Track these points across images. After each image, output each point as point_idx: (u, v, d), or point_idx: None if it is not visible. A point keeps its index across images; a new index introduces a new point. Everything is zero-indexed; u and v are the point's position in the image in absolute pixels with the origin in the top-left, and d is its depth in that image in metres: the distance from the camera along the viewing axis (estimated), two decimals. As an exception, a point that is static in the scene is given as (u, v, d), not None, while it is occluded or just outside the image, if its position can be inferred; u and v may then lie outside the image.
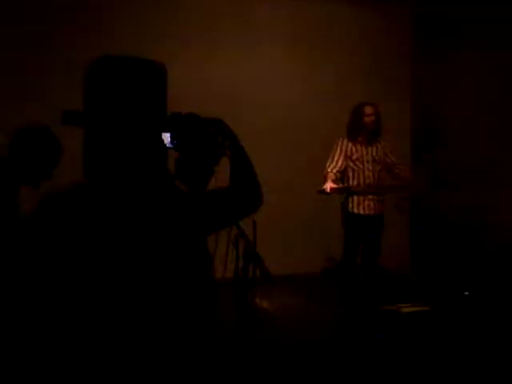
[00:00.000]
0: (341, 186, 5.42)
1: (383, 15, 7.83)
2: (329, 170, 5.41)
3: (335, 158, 5.46)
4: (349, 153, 5.47)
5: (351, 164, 5.48)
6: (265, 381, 3.78)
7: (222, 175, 1.90)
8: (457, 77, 7.38)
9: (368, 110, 5.48)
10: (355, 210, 5.47)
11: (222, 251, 2.44)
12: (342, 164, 5.45)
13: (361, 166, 5.47)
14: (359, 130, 5.49)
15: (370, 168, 5.50)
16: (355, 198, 5.46)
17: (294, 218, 7.10)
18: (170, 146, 1.76)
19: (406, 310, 5.68)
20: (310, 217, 6.96)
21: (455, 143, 7.39)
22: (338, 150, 5.48)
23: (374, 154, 5.52)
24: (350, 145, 5.50)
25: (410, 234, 8.11)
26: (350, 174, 5.51)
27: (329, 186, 5.28)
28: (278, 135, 7.18)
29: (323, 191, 5.27)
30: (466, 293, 6.01)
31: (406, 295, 6.09)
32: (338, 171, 5.44)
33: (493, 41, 6.90)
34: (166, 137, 1.76)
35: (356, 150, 5.48)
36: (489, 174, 7.10)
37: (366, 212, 5.47)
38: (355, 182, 5.48)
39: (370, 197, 5.47)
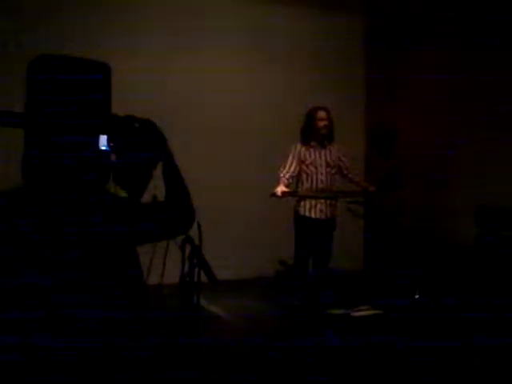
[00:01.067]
0: (291, 190, 5.47)
1: (338, 16, 7.90)
2: (281, 175, 5.46)
3: (288, 163, 5.52)
4: (302, 157, 5.52)
5: (305, 168, 5.53)
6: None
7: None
8: (407, 79, 7.53)
9: (321, 114, 5.54)
10: (307, 214, 5.52)
11: (166, 256, 2.43)
12: (295, 169, 5.51)
13: (314, 169, 5.53)
14: (312, 135, 5.54)
15: (324, 172, 5.55)
16: (307, 201, 5.52)
17: (244, 220, 7.11)
18: (107, 148, 1.74)
19: (356, 314, 5.74)
20: (262, 220, 6.98)
21: (406, 146, 7.52)
22: (291, 155, 5.53)
23: (328, 158, 5.57)
24: (303, 149, 5.55)
25: (363, 238, 8.19)
26: (304, 178, 5.56)
27: (280, 189, 5.34)
28: (228, 137, 7.19)
29: (274, 195, 5.32)
30: (417, 296, 6.11)
31: (357, 299, 6.15)
32: (290, 176, 5.49)
33: (441, 44, 7.07)
34: (104, 139, 1.74)
35: (309, 155, 5.53)
36: (440, 176, 7.25)
37: (318, 216, 5.52)
38: (308, 186, 5.52)
39: (322, 201, 5.52)
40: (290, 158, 5.54)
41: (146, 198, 1.86)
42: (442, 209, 7.24)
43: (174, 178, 1.86)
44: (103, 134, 1.72)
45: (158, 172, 1.85)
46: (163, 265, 2.41)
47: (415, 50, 7.54)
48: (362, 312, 5.79)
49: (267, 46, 7.49)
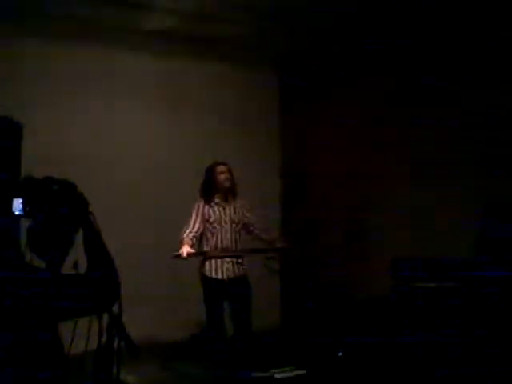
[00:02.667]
0: (197, 250, 5.36)
1: (254, 73, 8.00)
2: (184, 235, 5.37)
3: (192, 222, 5.45)
4: (206, 216, 5.46)
5: (209, 226, 5.46)
6: None
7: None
8: (322, 132, 7.69)
9: (221, 167, 5.54)
10: (213, 275, 5.39)
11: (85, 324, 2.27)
12: (198, 228, 5.44)
13: (218, 227, 5.45)
14: (215, 190, 5.49)
15: (229, 229, 5.47)
16: (213, 261, 5.41)
17: (163, 283, 6.89)
18: (21, 213, 1.60)
19: (279, 375, 5.62)
20: (180, 282, 6.78)
21: (322, 200, 7.61)
22: (194, 215, 5.46)
23: (232, 214, 5.52)
24: (206, 207, 5.49)
25: (280, 295, 8.13)
26: (209, 236, 5.48)
27: (185, 250, 5.22)
28: (140, 194, 7.05)
29: (179, 256, 5.19)
30: (340, 353, 6.04)
31: (278, 359, 6.02)
32: (194, 236, 5.40)
33: (354, 97, 7.28)
34: (18, 203, 1.60)
35: (213, 212, 5.47)
36: (357, 229, 7.33)
37: (225, 276, 5.39)
38: (213, 244, 5.42)
39: (229, 260, 5.42)
40: (193, 216, 5.46)
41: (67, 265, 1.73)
42: (357, 260, 7.29)
43: (95, 246, 1.73)
44: (17, 197, 1.59)
45: (80, 238, 1.72)
46: (88, 332, 2.25)
47: (326, 103, 7.73)
48: (286, 373, 5.66)
49: (183, 101, 7.47)
